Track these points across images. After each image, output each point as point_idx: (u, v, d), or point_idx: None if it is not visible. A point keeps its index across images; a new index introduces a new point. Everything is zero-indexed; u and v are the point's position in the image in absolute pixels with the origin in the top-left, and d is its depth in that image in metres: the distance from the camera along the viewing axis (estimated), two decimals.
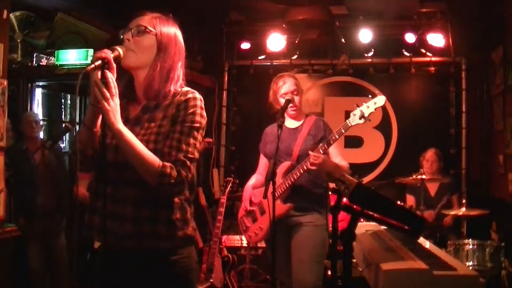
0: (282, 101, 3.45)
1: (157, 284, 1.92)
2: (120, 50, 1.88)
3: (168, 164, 1.85)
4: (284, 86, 3.48)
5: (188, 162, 1.89)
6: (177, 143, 1.90)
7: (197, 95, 1.98)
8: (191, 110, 1.93)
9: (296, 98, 3.47)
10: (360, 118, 3.26)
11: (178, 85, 2.00)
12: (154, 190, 1.86)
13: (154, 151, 1.87)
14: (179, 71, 2.00)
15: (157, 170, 1.83)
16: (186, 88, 2.01)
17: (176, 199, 1.95)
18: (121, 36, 1.95)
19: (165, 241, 1.91)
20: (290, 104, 3.42)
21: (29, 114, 4.54)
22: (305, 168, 3.27)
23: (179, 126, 1.91)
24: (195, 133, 1.93)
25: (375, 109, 3.25)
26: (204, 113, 1.98)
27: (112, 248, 1.90)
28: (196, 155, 1.94)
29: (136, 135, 1.90)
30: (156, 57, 1.94)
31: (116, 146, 1.89)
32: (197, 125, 1.94)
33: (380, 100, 3.25)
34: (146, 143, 1.88)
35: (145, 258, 1.91)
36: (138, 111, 1.99)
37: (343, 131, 3.28)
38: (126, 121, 1.93)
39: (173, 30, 2.01)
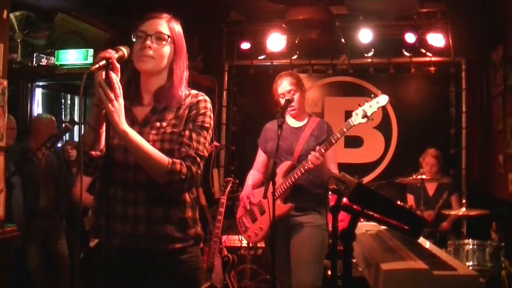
0: (282, 101, 3.45)
1: (166, 282, 1.93)
2: (124, 50, 1.87)
3: (177, 160, 1.87)
4: (280, 87, 3.47)
5: (198, 159, 1.92)
6: (188, 140, 1.92)
7: (207, 98, 2.03)
8: (202, 111, 1.97)
9: (295, 97, 3.43)
10: (362, 118, 3.24)
11: (185, 86, 2.02)
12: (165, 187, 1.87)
13: (169, 150, 1.89)
14: (186, 74, 2.04)
15: (167, 168, 1.84)
16: (195, 91, 2.04)
17: (187, 198, 1.96)
18: (134, 39, 1.95)
19: (178, 240, 1.92)
20: (291, 104, 3.41)
21: (53, 119, 4.56)
22: (305, 168, 3.27)
23: (191, 125, 1.94)
24: (205, 132, 1.97)
25: (377, 108, 3.24)
26: (212, 115, 2.02)
27: (124, 249, 1.89)
28: (206, 153, 1.97)
29: (147, 134, 1.91)
30: (174, 63, 1.98)
31: (125, 147, 1.89)
32: (207, 125, 1.98)
33: (383, 99, 3.24)
34: (160, 142, 1.90)
35: (157, 258, 1.91)
36: (147, 113, 1.98)
37: (345, 130, 3.27)
38: (133, 123, 1.93)
39: (182, 33, 2.04)
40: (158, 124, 1.95)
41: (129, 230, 1.88)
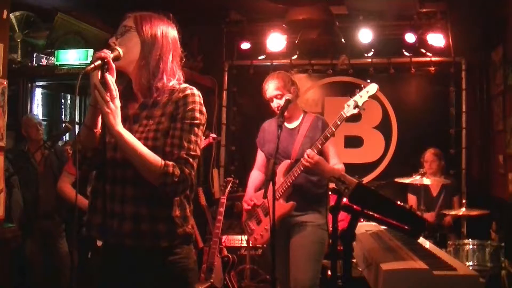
0: (272, 105, 3.44)
1: (155, 284, 1.92)
2: (120, 50, 1.87)
3: (170, 163, 1.85)
4: (267, 92, 3.45)
5: (190, 160, 1.89)
6: (179, 141, 1.89)
7: (196, 91, 1.97)
8: (190, 107, 1.92)
9: (281, 102, 3.37)
10: (354, 108, 3.24)
11: (175, 80, 1.98)
12: (153, 188, 1.86)
13: (153, 148, 1.86)
14: (171, 63, 1.98)
15: (160, 170, 1.82)
16: (184, 85, 1.99)
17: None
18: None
19: (165, 238, 1.90)
20: (291, 104, 3.39)
21: (32, 117, 4.53)
22: (303, 165, 3.26)
23: (180, 124, 1.90)
24: (196, 129, 1.92)
25: (368, 97, 3.23)
26: (204, 109, 1.97)
27: (112, 247, 1.90)
28: (198, 152, 1.93)
29: (135, 132, 1.90)
30: (141, 53, 1.93)
31: (115, 145, 1.88)
32: (197, 121, 1.93)
33: (373, 88, 3.23)
34: (144, 140, 1.88)
35: (144, 256, 1.90)
36: (136, 109, 1.98)
37: (338, 122, 3.25)
38: (124, 119, 1.92)
39: (157, 24, 1.98)
40: (145, 121, 1.93)
41: (116, 226, 1.88)
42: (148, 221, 1.88)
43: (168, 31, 2.00)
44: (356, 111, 3.24)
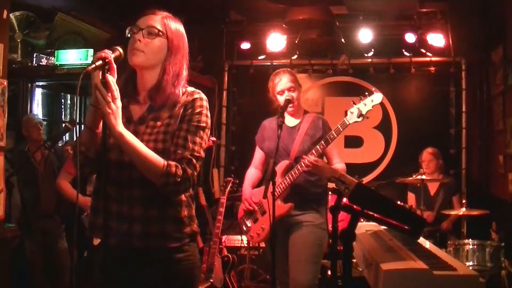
0: (280, 98, 3.43)
1: (162, 281, 1.92)
2: (121, 50, 1.86)
3: (172, 163, 1.85)
4: (279, 84, 3.44)
5: (194, 160, 1.90)
6: (184, 141, 1.90)
7: (203, 95, 2.00)
8: (198, 110, 1.94)
9: (294, 94, 3.42)
10: (358, 117, 3.23)
11: (182, 85, 2.00)
12: (161, 189, 1.86)
13: (163, 150, 1.87)
14: (185, 73, 2.01)
15: (162, 170, 1.82)
16: (191, 88, 2.01)
17: (183, 197, 1.95)
18: (129, 34, 1.92)
19: (173, 238, 1.91)
20: (290, 104, 3.40)
21: (32, 117, 4.53)
22: (303, 167, 3.26)
23: (186, 125, 1.92)
24: (201, 132, 1.94)
25: (372, 106, 3.23)
26: (209, 114, 1.99)
27: (118, 247, 1.89)
28: (202, 154, 1.94)
29: (142, 134, 1.90)
30: (167, 60, 1.94)
31: (120, 146, 1.88)
32: (203, 124, 1.95)
33: (377, 97, 3.23)
34: (154, 142, 1.89)
35: (152, 256, 1.91)
36: (144, 111, 1.97)
37: (341, 129, 3.25)
38: (129, 121, 1.92)
39: (182, 31, 2.01)
40: (152, 123, 1.94)
41: (124, 229, 1.88)
42: (157, 222, 1.89)
43: (186, 39, 2.02)
44: (360, 119, 3.24)
